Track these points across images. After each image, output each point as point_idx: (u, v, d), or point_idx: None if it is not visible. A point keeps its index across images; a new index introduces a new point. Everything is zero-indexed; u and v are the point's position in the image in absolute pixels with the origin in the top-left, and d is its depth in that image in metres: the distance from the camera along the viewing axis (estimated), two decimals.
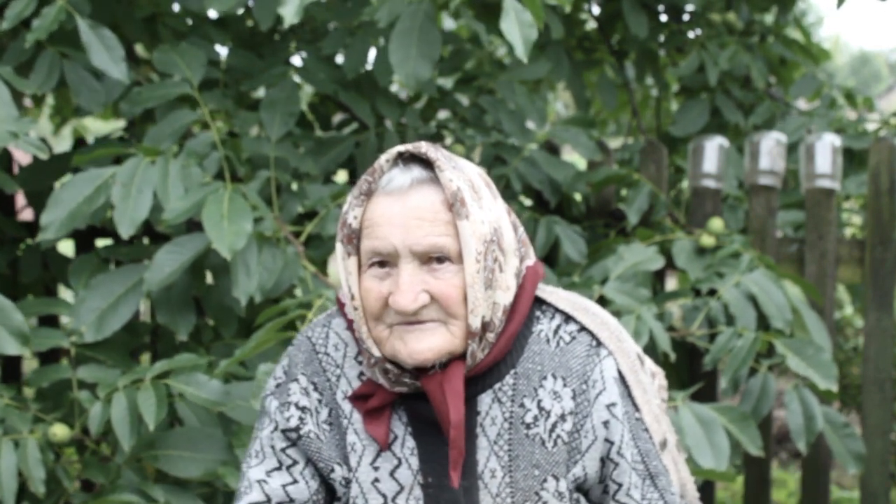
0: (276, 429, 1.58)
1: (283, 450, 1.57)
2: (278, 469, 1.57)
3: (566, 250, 3.12)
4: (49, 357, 3.37)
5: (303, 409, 1.56)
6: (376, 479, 1.52)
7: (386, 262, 1.46)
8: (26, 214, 3.55)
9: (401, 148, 1.49)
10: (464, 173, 1.49)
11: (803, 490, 3.35)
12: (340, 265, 1.51)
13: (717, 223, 3.15)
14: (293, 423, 1.56)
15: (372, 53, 3.29)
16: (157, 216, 2.51)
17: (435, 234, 1.44)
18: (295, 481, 1.56)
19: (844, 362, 4.47)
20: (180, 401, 2.36)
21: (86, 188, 2.43)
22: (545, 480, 1.52)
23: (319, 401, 1.57)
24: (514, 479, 1.52)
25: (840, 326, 5.21)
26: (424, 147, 1.48)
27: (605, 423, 1.54)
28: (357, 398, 1.54)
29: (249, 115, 3.01)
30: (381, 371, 1.50)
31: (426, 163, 1.48)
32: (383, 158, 1.49)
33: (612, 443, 1.54)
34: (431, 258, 1.45)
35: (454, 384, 1.46)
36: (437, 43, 2.61)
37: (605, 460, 1.55)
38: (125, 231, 2.39)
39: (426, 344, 1.45)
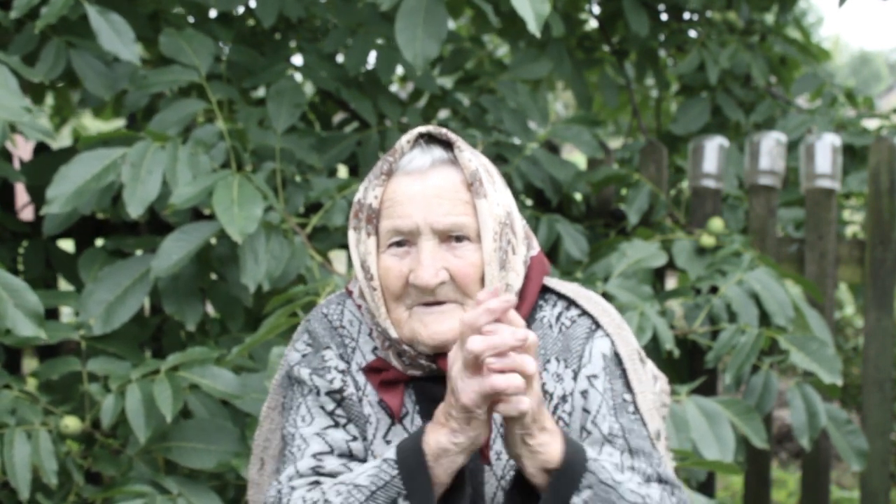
0: (319, 393, 1.55)
1: (332, 411, 1.55)
2: (334, 427, 1.54)
3: (567, 248, 3.13)
4: (48, 352, 3.37)
5: (342, 371, 1.56)
6: None
7: (405, 241, 1.48)
8: (26, 214, 3.55)
9: (422, 129, 1.52)
10: (478, 157, 1.53)
11: (803, 490, 3.35)
12: (355, 251, 1.52)
13: (717, 223, 3.15)
14: (336, 384, 1.55)
15: (373, 54, 3.29)
16: (163, 205, 2.51)
17: (455, 213, 1.47)
18: (354, 437, 1.54)
19: (844, 362, 4.47)
20: (191, 393, 2.37)
21: (94, 166, 2.43)
22: None
23: (345, 371, 1.57)
24: None
25: (840, 326, 5.21)
26: (444, 129, 1.52)
27: (584, 393, 1.54)
28: (370, 370, 1.54)
29: (253, 109, 3.01)
30: (396, 354, 1.51)
31: (445, 144, 1.52)
32: (404, 139, 1.51)
33: (587, 412, 1.53)
34: (450, 237, 1.47)
35: None
36: (444, 21, 2.61)
37: (582, 430, 1.54)
38: (134, 211, 2.38)
39: (447, 325, 1.46)
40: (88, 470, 2.45)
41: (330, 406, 1.55)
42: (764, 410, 2.80)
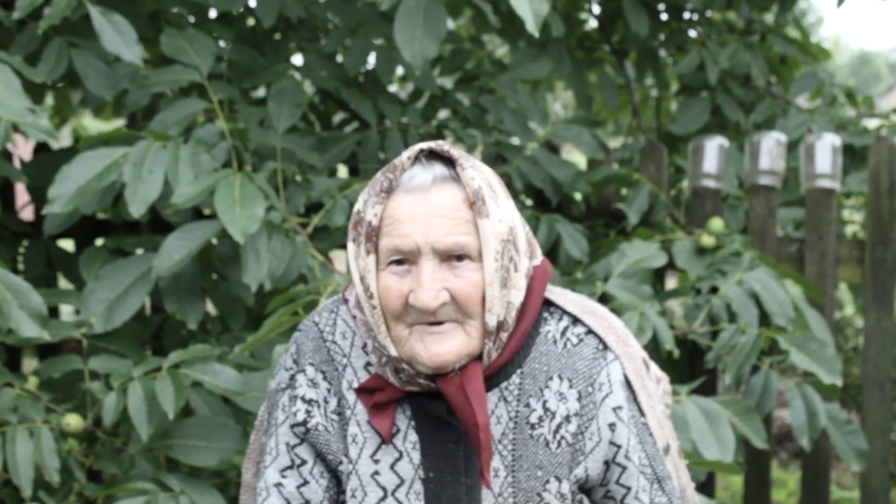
0: (286, 424, 1.57)
1: (293, 447, 1.56)
2: (290, 468, 1.56)
3: (567, 248, 3.13)
4: (48, 350, 3.38)
5: (309, 401, 1.55)
6: (376, 472, 1.51)
7: (405, 259, 1.45)
8: (26, 214, 3.55)
9: (423, 145, 1.49)
10: (481, 173, 1.49)
11: (803, 490, 3.35)
12: (354, 264, 1.49)
13: (717, 223, 3.15)
14: (300, 416, 1.55)
15: (372, 54, 3.30)
16: (164, 204, 2.51)
17: (457, 232, 1.44)
18: (306, 482, 1.55)
19: (844, 362, 4.47)
20: (192, 391, 2.37)
21: (95, 165, 2.43)
22: (547, 481, 1.52)
23: (328, 390, 1.55)
24: (516, 479, 1.51)
25: (840, 326, 5.21)
26: (446, 145, 1.48)
27: (611, 426, 1.54)
28: (363, 391, 1.53)
29: (254, 109, 3.01)
30: (393, 370, 1.50)
31: (447, 160, 1.48)
32: (405, 156, 1.48)
33: (618, 446, 1.55)
34: (451, 256, 1.44)
35: (475, 385, 1.45)
36: (442, 21, 2.60)
37: (609, 464, 1.55)
38: (136, 210, 2.39)
39: (447, 347, 1.44)
40: (90, 468, 2.45)
41: (293, 441, 1.56)
42: (764, 410, 2.80)
